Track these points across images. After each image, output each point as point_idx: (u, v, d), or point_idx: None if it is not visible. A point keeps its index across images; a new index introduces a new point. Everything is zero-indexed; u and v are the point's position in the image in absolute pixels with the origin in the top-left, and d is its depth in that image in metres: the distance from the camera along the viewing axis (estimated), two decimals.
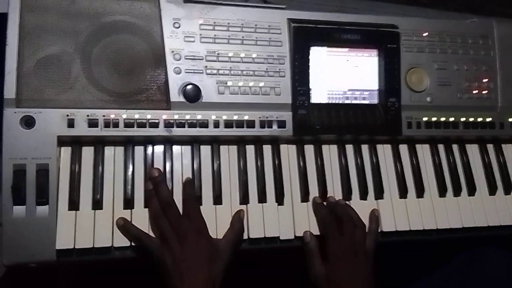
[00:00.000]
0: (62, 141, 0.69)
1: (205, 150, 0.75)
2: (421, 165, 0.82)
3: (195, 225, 0.68)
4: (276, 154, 0.77)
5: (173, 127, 0.72)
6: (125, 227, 0.68)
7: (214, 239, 0.69)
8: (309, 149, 0.79)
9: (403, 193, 0.80)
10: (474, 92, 0.84)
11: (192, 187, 0.72)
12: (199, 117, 0.73)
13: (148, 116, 0.71)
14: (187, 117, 0.72)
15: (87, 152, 0.71)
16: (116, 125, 0.70)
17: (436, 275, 0.88)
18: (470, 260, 0.85)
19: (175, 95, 0.72)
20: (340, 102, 0.80)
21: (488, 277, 0.81)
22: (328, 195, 0.77)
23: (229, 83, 0.74)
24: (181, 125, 0.72)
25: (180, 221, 0.67)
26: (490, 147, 0.86)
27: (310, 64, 0.77)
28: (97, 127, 0.69)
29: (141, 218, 0.69)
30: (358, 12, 1.05)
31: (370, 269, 0.72)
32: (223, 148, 0.75)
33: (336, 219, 0.73)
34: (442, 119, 0.82)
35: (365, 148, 0.81)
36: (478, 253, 0.84)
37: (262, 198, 0.74)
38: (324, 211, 0.74)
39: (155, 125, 0.71)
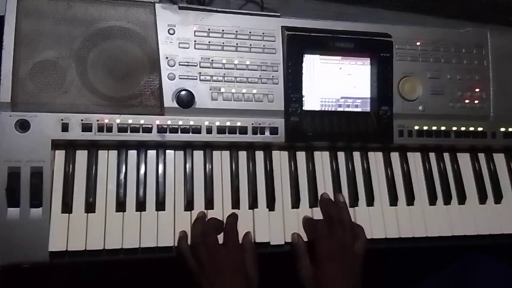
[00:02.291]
0: (56, 145, 0.70)
1: (198, 155, 0.76)
2: (412, 173, 0.83)
3: (233, 259, 0.69)
4: (268, 160, 0.78)
5: (166, 133, 0.73)
6: (180, 239, 0.70)
7: (247, 269, 0.69)
8: (301, 156, 0.80)
9: (393, 200, 0.80)
10: (467, 101, 0.84)
11: (234, 218, 0.73)
12: (192, 122, 0.73)
13: (142, 121, 0.72)
14: (180, 122, 0.73)
15: (81, 156, 0.72)
16: (109, 129, 0.71)
17: (430, 281, 0.89)
18: (463, 267, 0.85)
19: (169, 101, 0.73)
20: (333, 109, 0.80)
21: (480, 285, 0.82)
22: (322, 194, 0.78)
23: (223, 90, 0.75)
24: (174, 130, 0.73)
25: (219, 252, 0.68)
26: (481, 156, 0.87)
27: (303, 71, 0.78)
28: (91, 131, 0.70)
29: (132, 222, 0.70)
30: (355, 18, 1.06)
31: (358, 274, 0.72)
32: (216, 154, 0.76)
33: (327, 219, 0.74)
34: (434, 128, 0.82)
35: (356, 156, 0.82)
36: (471, 261, 0.85)
37: (253, 204, 0.75)
38: (313, 220, 0.75)
39: (148, 130, 0.72)
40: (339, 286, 0.69)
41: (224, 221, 0.73)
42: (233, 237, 0.71)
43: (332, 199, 0.78)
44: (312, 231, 0.74)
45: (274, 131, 0.76)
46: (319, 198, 0.78)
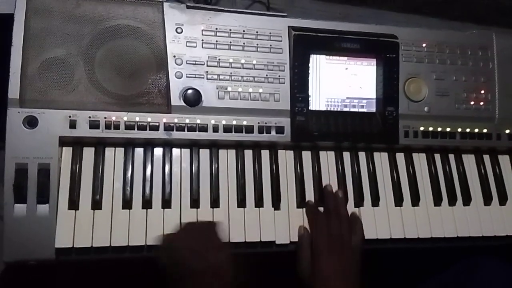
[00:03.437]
0: (64, 142, 0.70)
1: (204, 153, 0.76)
2: (417, 174, 0.83)
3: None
4: (274, 159, 0.78)
5: (173, 131, 0.73)
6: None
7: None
8: (306, 155, 0.80)
9: (398, 201, 0.80)
10: (472, 103, 0.85)
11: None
12: (198, 121, 0.74)
13: (149, 119, 0.72)
14: (187, 121, 0.73)
15: (88, 153, 0.72)
16: (117, 127, 0.71)
17: (433, 282, 0.89)
18: (464, 269, 0.85)
19: (176, 99, 0.73)
20: (339, 109, 0.81)
21: (483, 286, 0.82)
22: (325, 184, 0.78)
23: (229, 89, 0.75)
24: (180, 128, 0.73)
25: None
26: (486, 157, 0.87)
27: (309, 71, 0.79)
28: (98, 128, 0.70)
29: (138, 219, 0.70)
30: (360, 20, 1.06)
31: (356, 267, 0.72)
32: (222, 152, 0.77)
33: (326, 212, 0.75)
34: (439, 129, 0.83)
35: (362, 156, 0.82)
36: (473, 263, 0.85)
37: (259, 203, 0.75)
38: (314, 209, 0.76)
39: (155, 128, 0.72)
40: (333, 279, 0.69)
41: (230, 219, 0.73)
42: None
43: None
44: (312, 220, 0.76)
45: (280, 130, 0.77)
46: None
